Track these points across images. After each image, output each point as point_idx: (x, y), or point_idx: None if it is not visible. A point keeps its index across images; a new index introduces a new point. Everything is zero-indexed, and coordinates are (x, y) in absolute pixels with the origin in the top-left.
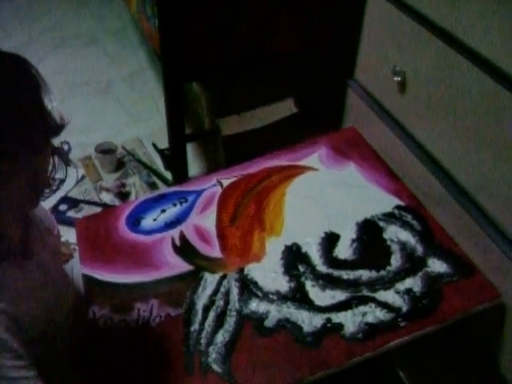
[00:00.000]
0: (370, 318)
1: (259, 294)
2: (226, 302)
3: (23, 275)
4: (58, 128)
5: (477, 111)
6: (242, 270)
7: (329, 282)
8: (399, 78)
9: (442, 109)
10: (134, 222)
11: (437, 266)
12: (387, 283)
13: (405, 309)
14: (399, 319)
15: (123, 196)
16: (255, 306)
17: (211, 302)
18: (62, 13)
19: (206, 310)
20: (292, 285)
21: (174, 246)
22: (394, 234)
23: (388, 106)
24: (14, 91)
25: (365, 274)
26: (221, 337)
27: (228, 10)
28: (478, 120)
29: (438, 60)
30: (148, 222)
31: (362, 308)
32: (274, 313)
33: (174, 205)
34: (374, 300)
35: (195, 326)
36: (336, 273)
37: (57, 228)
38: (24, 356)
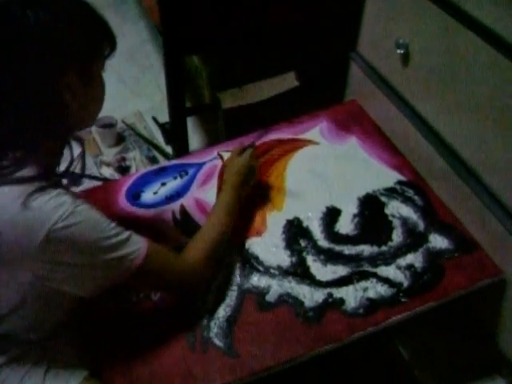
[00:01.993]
0: (371, 294)
1: (260, 268)
2: (228, 277)
3: None
4: None
5: (481, 84)
6: (243, 245)
7: (330, 256)
8: (402, 51)
9: (446, 82)
10: (134, 195)
11: (438, 241)
12: (388, 259)
13: (406, 284)
14: (400, 294)
15: (123, 170)
16: (256, 280)
17: (212, 277)
18: None
19: (208, 284)
20: (293, 259)
21: (174, 219)
22: (396, 209)
23: (391, 79)
24: None
25: (366, 250)
26: (222, 311)
27: None
28: (481, 93)
29: (442, 32)
30: (148, 195)
31: (363, 283)
32: (276, 287)
33: (175, 178)
34: (375, 275)
35: (197, 301)
36: (337, 248)
37: None
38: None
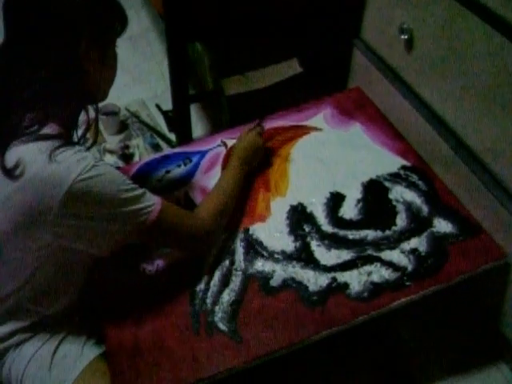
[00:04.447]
0: (375, 278)
1: (264, 253)
2: (232, 262)
3: None
4: None
5: (486, 70)
6: (247, 230)
7: (334, 241)
8: (406, 36)
9: (450, 68)
10: (139, 183)
11: (442, 226)
12: (393, 243)
13: (410, 268)
14: (404, 278)
15: (127, 158)
16: (261, 265)
17: (216, 262)
18: None
19: (212, 269)
20: (297, 244)
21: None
22: (400, 194)
23: (394, 65)
24: None
25: (370, 234)
26: (227, 296)
27: None
28: (486, 79)
29: (447, 17)
30: (153, 183)
31: (367, 267)
32: (280, 272)
33: (179, 166)
34: (379, 259)
35: (201, 286)
36: (341, 233)
37: None
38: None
